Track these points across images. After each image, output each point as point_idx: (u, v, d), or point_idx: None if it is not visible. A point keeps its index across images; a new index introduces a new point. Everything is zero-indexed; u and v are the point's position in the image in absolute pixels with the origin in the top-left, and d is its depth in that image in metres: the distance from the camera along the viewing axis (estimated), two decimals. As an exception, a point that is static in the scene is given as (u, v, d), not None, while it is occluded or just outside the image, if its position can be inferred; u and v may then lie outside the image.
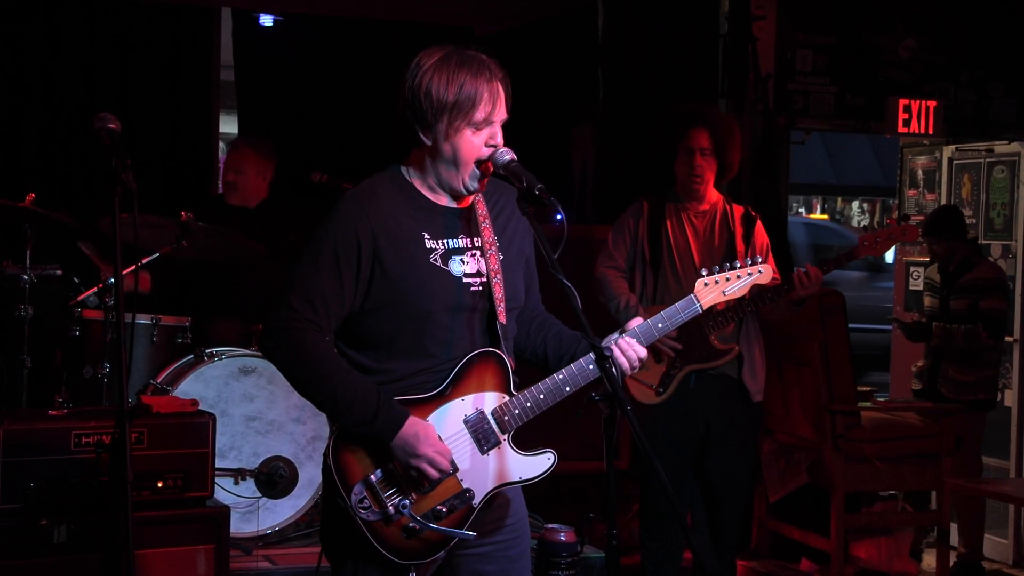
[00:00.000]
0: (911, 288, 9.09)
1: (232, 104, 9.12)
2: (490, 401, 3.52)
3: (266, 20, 8.75)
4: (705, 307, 3.73)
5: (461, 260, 3.52)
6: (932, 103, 8.03)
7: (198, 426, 5.52)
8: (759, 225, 5.95)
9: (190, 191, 8.17)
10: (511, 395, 3.54)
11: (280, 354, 3.45)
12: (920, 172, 9.16)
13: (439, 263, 3.48)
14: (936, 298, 7.76)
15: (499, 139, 3.50)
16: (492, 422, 3.51)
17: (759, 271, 3.80)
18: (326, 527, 3.62)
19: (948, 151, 8.90)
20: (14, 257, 6.22)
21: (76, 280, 6.47)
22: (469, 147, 3.46)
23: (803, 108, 7.87)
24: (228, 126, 10.00)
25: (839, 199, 25.78)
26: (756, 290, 5.77)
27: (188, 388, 6.29)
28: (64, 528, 5.12)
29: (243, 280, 6.97)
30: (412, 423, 3.39)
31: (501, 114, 3.50)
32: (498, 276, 3.54)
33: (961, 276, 7.59)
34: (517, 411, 3.52)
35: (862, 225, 25.07)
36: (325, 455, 3.47)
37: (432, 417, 3.47)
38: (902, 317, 8.51)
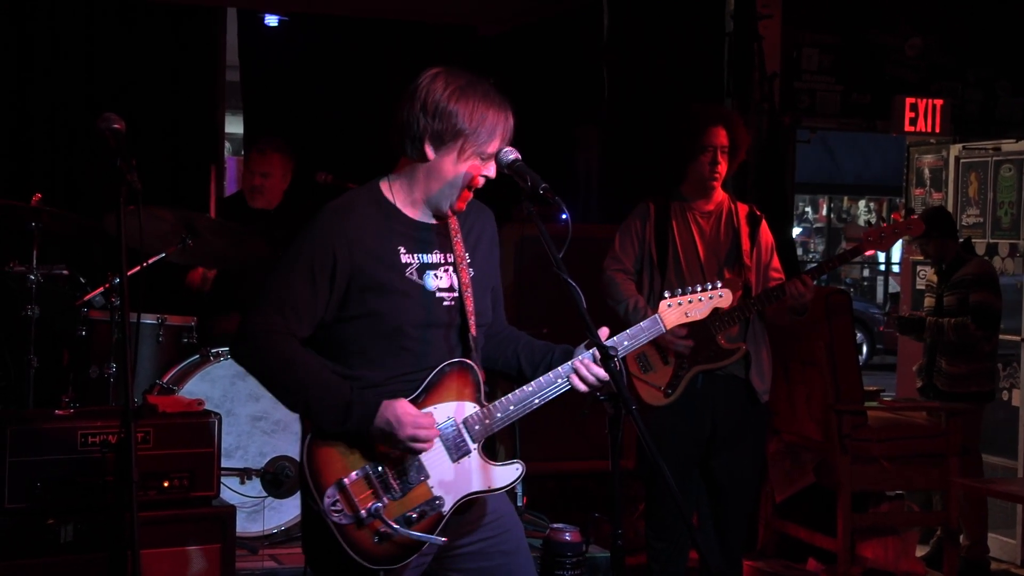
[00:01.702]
0: (918, 287, 9.09)
1: (237, 104, 9.12)
2: (461, 411, 3.57)
3: (271, 20, 8.75)
4: (668, 327, 3.81)
5: (435, 275, 3.59)
6: (938, 102, 8.02)
7: (204, 426, 5.52)
8: (764, 224, 5.95)
9: (196, 191, 8.17)
10: (482, 405, 3.59)
11: (251, 359, 3.52)
12: (927, 171, 9.16)
13: (414, 277, 3.55)
14: (934, 297, 7.81)
15: (492, 172, 3.57)
16: (463, 431, 3.56)
17: (719, 295, 3.87)
18: (304, 529, 3.66)
19: (955, 150, 8.90)
20: (21, 257, 6.22)
21: (82, 280, 6.47)
22: (469, 172, 3.55)
23: (809, 107, 7.87)
24: (233, 126, 10.00)
25: (845, 198, 25.76)
26: (763, 290, 5.79)
27: (194, 388, 6.29)
28: (71, 527, 5.13)
29: (250, 280, 6.97)
30: (385, 405, 3.43)
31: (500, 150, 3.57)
32: (469, 290, 3.62)
33: (953, 273, 7.64)
34: (488, 421, 3.57)
35: (870, 224, 25.05)
36: (300, 456, 3.51)
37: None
38: (904, 314, 8.52)
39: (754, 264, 5.83)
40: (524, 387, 3.60)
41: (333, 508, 3.44)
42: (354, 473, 3.47)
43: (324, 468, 3.48)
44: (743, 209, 5.95)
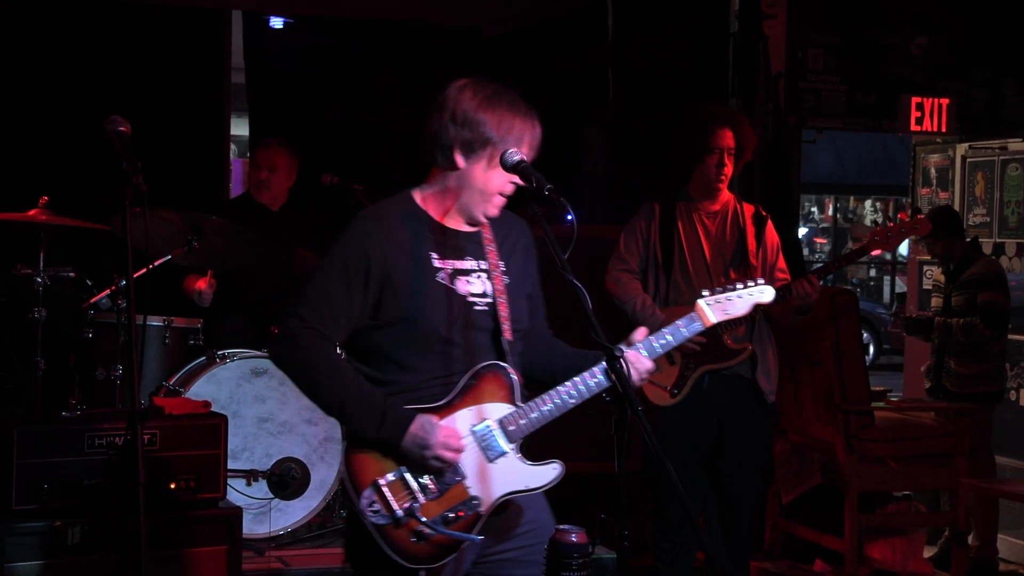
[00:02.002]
0: (925, 287, 9.08)
1: (243, 106, 9.13)
2: (496, 412, 3.61)
3: (276, 22, 8.76)
4: (707, 325, 3.84)
5: (467, 280, 3.66)
6: (944, 101, 8.02)
7: (210, 427, 5.54)
8: (770, 224, 5.94)
9: (201, 193, 8.18)
10: (517, 406, 3.63)
11: (289, 361, 3.59)
12: (933, 170, 9.15)
13: (446, 282, 3.62)
14: (941, 297, 7.80)
15: (521, 180, 3.61)
16: (499, 432, 3.61)
17: (760, 291, 3.92)
18: (346, 529, 3.73)
19: (961, 149, 8.89)
20: (27, 260, 6.23)
21: (89, 282, 6.47)
22: (499, 182, 3.63)
23: (814, 107, 7.87)
24: (239, 128, 10.01)
25: (851, 198, 25.74)
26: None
27: (200, 390, 6.30)
28: (78, 529, 5.14)
29: (256, 282, 6.98)
30: (418, 420, 3.50)
31: (530, 157, 3.64)
32: (503, 296, 3.69)
33: (961, 273, 7.62)
34: (523, 422, 3.61)
35: (876, 224, 25.03)
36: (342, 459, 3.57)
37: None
38: (912, 314, 8.51)
39: (760, 264, 5.83)
40: (559, 387, 3.63)
41: (370, 508, 3.49)
42: (390, 474, 3.52)
43: (361, 470, 3.53)
44: (749, 209, 5.94)
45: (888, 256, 23.67)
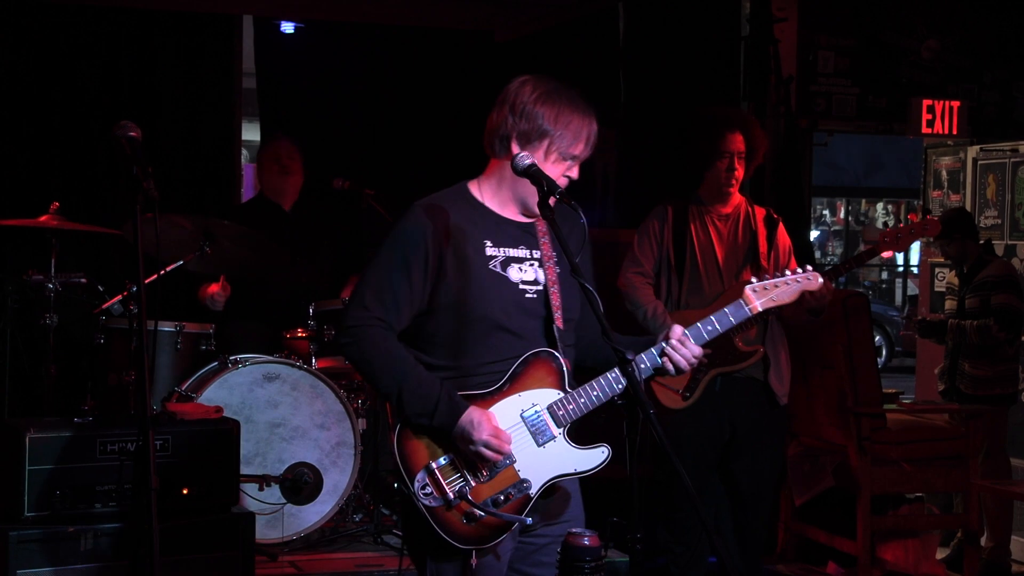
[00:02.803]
0: (936, 289, 9.06)
1: (254, 111, 9.14)
2: (546, 397, 3.71)
3: (287, 27, 8.76)
4: (754, 311, 3.92)
5: (520, 268, 3.75)
6: (955, 104, 8.01)
7: (223, 433, 5.53)
8: (782, 227, 5.94)
9: (213, 198, 8.19)
10: (566, 392, 3.72)
11: (353, 349, 3.69)
12: (944, 173, 9.13)
13: (498, 269, 3.72)
14: (955, 300, 7.79)
15: (575, 174, 3.77)
16: (548, 416, 3.70)
17: (808, 278, 4.01)
18: (402, 514, 3.91)
19: (972, 151, 8.87)
20: (39, 266, 6.24)
21: (101, 288, 6.49)
22: (553, 173, 3.70)
23: (825, 110, 7.86)
24: (250, 133, 10.03)
25: (863, 201, 25.71)
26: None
27: (212, 395, 6.31)
28: (91, 535, 5.14)
29: (268, 286, 6.98)
30: (470, 412, 3.61)
31: (587, 154, 3.78)
32: (555, 286, 3.77)
33: (975, 275, 7.61)
34: (572, 407, 3.71)
35: (887, 226, 25.01)
36: (393, 445, 3.67)
37: (490, 411, 3.66)
38: (924, 317, 8.49)
39: (771, 267, 5.82)
40: (607, 373, 3.72)
41: (423, 491, 3.60)
42: (442, 458, 3.63)
43: (413, 454, 3.64)
44: (760, 212, 5.94)
45: (900, 259, 23.65)
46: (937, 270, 9.09)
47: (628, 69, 8.47)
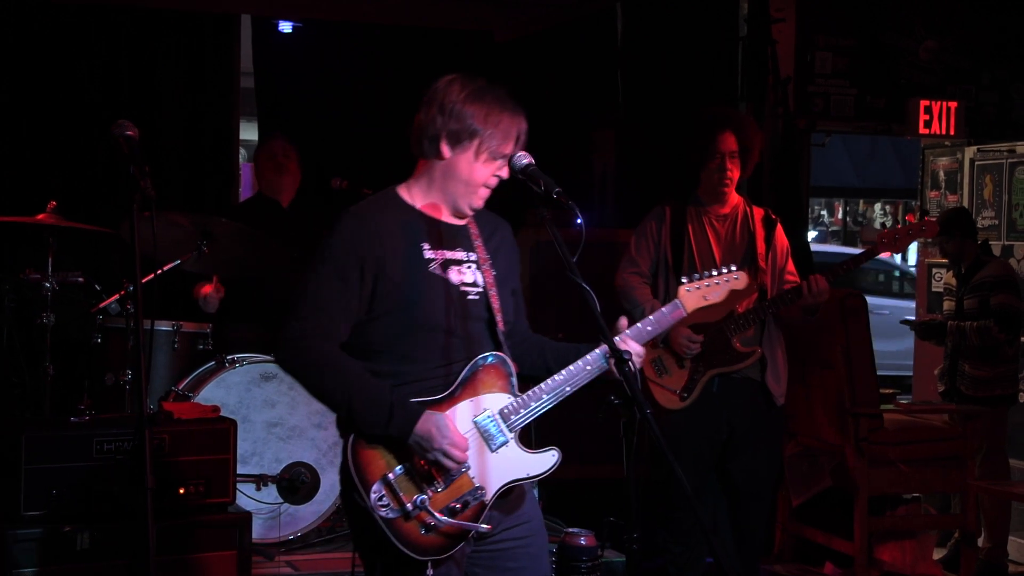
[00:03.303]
0: (934, 290, 9.06)
1: (252, 111, 9.13)
2: (497, 402, 3.69)
3: (285, 27, 8.75)
4: (688, 310, 3.90)
5: (459, 270, 3.72)
6: (953, 104, 8.01)
7: (219, 432, 5.54)
8: (780, 228, 5.94)
9: (211, 197, 8.18)
10: (516, 396, 3.71)
11: (295, 363, 3.65)
12: (942, 173, 9.14)
13: (438, 271, 3.68)
14: (953, 300, 7.78)
15: (505, 173, 3.71)
16: (500, 422, 3.68)
17: (735, 277, 3.96)
18: (352, 527, 3.77)
19: (970, 152, 8.88)
20: (36, 265, 6.23)
21: (98, 287, 6.48)
22: (484, 173, 3.69)
23: (823, 110, 7.86)
24: (248, 133, 10.01)
25: (861, 201, 25.71)
26: (777, 293, 5.79)
27: (209, 394, 6.30)
28: (87, 535, 5.14)
29: (265, 286, 6.98)
30: (427, 417, 3.55)
31: (517, 152, 3.71)
32: (493, 288, 3.76)
33: (973, 275, 7.61)
34: (523, 411, 3.69)
35: (885, 227, 24.99)
36: (343, 456, 3.59)
37: (448, 415, 3.62)
38: (922, 318, 8.49)
39: (769, 267, 5.82)
40: (555, 376, 3.71)
41: (380, 503, 3.55)
42: (398, 468, 3.58)
43: (369, 465, 3.58)
44: (759, 212, 5.95)
45: (898, 260, 23.64)
46: (935, 271, 9.09)
47: (626, 69, 8.46)
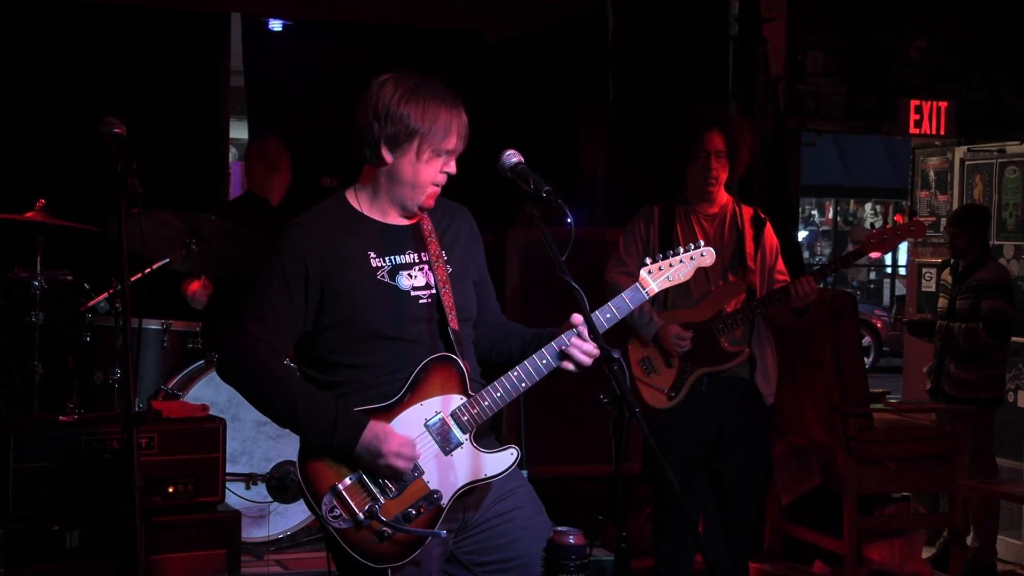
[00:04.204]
0: (924, 289, 9.06)
1: (242, 109, 9.13)
2: (448, 403, 3.63)
3: (275, 25, 8.75)
4: (650, 294, 3.82)
5: (408, 274, 3.66)
6: (943, 104, 8.02)
7: (209, 431, 5.53)
8: (769, 227, 5.94)
9: (201, 196, 8.17)
10: (468, 396, 3.65)
11: (239, 376, 3.61)
12: (932, 173, 9.14)
13: (386, 279, 3.63)
14: (947, 298, 7.79)
15: (453, 168, 3.66)
16: (452, 423, 3.62)
17: (701, 254, 3.91)
18: (324, 532, 3.72)
19: (960, 152, 8.88)
20: (25, 263, 6.22)
21: (87, 286, 6.47)
22: (430, 172, 3.63)
23: (814, 110, 7.86)
24: (238, 131, 10.01)
25: (851, 201, 25.75)
26: (767, 292, 5.79)
27: (199, 393, 6.30)
28: (76, 534, 5.13)
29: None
30: (371, 427, 3.50)
31: (460, 147, 3.67)
32: (446, 286, 3.68)
33: (969, 276, 7.60)
34: (476, 411, 3.63)
35: (875, 227, 25.03)
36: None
37: (393, 424, 3.57)
38: (913, 317, 8.49)
39: (758, 267, 5.83)
40: (509, 372, 3.65)
41: (331, 514, 3.51)
42: (348, 478, 3.53)
43: (318, 476, 3.53)
44: (748, 212, 5.94)
45: (888, 259, 23.68)
46: (924, 270, 9.09)
47: (617, 69, 8.46)
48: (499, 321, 3.96)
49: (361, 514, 3.50)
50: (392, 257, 3.66)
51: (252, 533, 6.31)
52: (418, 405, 3.59)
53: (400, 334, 3.60)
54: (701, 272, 5.68)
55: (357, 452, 3.49)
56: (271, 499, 6.44)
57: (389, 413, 3.57)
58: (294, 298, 3.57)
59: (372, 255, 3.63)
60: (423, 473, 3.56)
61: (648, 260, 3.86)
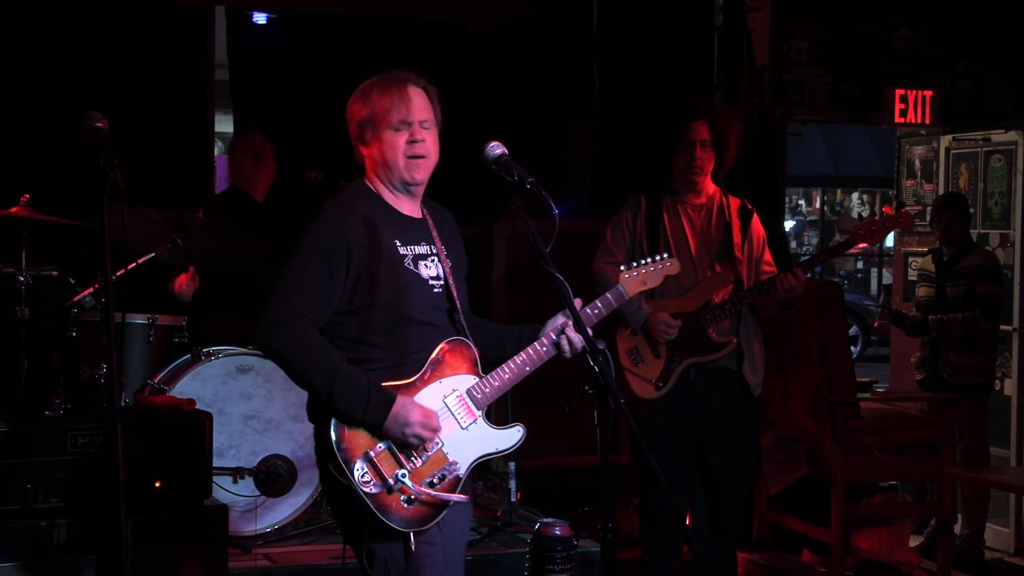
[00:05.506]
0: (910, 278, 9.08)
1: (226, 103, 9.10)
2: (464, 382, 3.93)
3: (259, 18, 8.72)
4: (630, 295, 4.24)
5: (425, 264, 3.94)
6: (928, 93, 8.03)
7: (195, 425, 5.53)
8: (756, 218, 5.94)
9: (186, 190, 8.15)
10: (481, 376, 3.95)
11: (279, 343, 3.77)
12: (918, 162, 9.15)
13: (412, 267, 3.89)
14: (932, 287, 7.80)
15: (418, 136, 3.89)
16: (468, 400, 3.92)
17: (667, 264, 4.33)
18: (336, 508, 3.96)
19: (945, 141, 8.90)
20: (10, 258, 6.20)
21: (72, 281, 6.45)
22: (393, 146, 3.89)
23: (799, 100, 7.86)
24: (223, 125, 9.98)
25: (838, 191, 25.76)
26: (755, 284, 5.79)
27: (185, 387, 6.28)
28: (63, 529, 5.12)
29: (241, 278, 6.96)
30: (399, 401, 3.77)
31: (417, 115, 3.91)
32: (451, 278, 3.99)
33: (957, 263, 7.63)
34: (488, 389, 3.94)
35: (862, 217, 25.02)
36: (320, 439, 3.79)
37: (415, 399, 3.84)
38: (901, 308, 8.50)
39: (745, 258, 5.83)
40: (516, 357, 3.96)
41: (363, 480, 3.73)
42: (379, 446, 3.77)
43: (351, 444, 3.75)
44: (735, 203, 5.95)
45: (876, 248, 23.69)
46: (911, 259, 9.11)
47: (602, 59, 8.46)
48: (475, 318, 4.17)
49: (391, 479, 3.74)
50: (413, 247, 3.91)
51: (240, 527, 6.30)
52: (437, 383, 3.87)
53: (422, 318, 3.86)
54: (688, 263, 5.75)
55: (387, 424, 3.74)
56: (258, 493, 6.43)
57: (412, 389, 3.83)
58: (334, 276, 3.78)
59: (398, 243, 3.88)
60: (443, 445, 3.84)
61: (623, 267, 4.27)
